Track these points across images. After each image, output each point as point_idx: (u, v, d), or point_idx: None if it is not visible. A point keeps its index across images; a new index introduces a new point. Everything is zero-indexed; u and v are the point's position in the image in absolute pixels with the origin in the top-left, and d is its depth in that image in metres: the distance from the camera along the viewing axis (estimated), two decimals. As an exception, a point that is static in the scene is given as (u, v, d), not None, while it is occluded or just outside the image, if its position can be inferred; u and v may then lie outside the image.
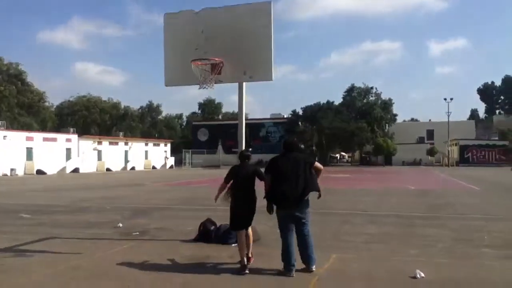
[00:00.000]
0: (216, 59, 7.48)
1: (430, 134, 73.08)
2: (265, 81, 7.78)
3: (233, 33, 7.58)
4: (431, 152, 63.45)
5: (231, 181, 6.16)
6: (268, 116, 73.28)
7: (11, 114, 55.78)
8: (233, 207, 6.07)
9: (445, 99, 62.76)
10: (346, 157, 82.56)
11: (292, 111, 68.78)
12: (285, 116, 70.36)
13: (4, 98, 56.42)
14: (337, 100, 68.94)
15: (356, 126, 60.45)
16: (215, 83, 7.66)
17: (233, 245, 7.19)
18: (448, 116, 62.85)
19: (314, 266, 5.72)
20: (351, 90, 69.54)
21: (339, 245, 7.47)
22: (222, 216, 8.96)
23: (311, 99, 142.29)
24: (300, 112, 67.37)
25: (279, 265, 5.74)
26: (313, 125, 63.82)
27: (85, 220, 10.70)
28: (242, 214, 5.98)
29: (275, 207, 5.86)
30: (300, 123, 66.69)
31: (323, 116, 62.47)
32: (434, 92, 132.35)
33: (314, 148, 65.79)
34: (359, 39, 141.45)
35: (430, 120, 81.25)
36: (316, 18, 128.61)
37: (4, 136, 39.37)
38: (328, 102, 66.36)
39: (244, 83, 7.93)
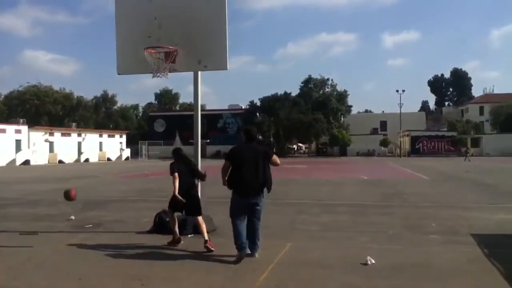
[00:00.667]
0: (170, 47, 7.32)
1: (383, 125, 75.27)
2: (219, 70, 7.70)
3: (187, 21, 7.43)
4: (384, 143, 65.35)
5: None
6: (226, 107, 73.06)
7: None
8: None
9: (397, 91, 64.79)
10: (303, 148, 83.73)
11: (250, 102, 68.89)
12: (243, 107, 70.37)
13: None
14: (294, 91, 69.68)
15: (313, 117, 61.28)
16: (169, 72, 7.51)
17: (188, 235, 7.17)
18: (400, 107, 64.94)
19: (257, 253, 5.85)
20: (307, 81, 70.37)
21: (295, 234, 7.59)
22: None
23: (269, 90, 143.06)
24: (258, 103, 67.57)
25: (233, 254, 5.76)
26: (270, 116, 64.18)
27: (36, 213, 10.34)
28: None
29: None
30: (258, 114, 66.90)
31: (281, 107, 62.93)
32: (387, 84, 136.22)
33: (271, 139, 66.29)
34: (315, 30, 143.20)
35: (383, 111, 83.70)
36: (272, 8, 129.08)
37: None
38: (285, 93, 66.88)
39: (199, 72, 7.84)
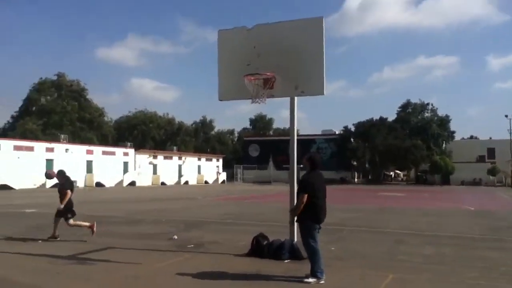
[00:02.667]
0: (268, 73, 7.55)
1: (491, 152, 69.55)
2: (316, 95, 7.76)
3: (285, 48, 7.65)
4: (492, 171, 60.36)
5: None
6: (319, 132, 72.72)
7: (73, 128, 58.77)
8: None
9: (506, 115, 59.87)
10: (401, 175, 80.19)
11: (343, 127, 67.99)
12: (336, 132, 69.57)
13: (67, 113, 59.62)
14: (391, 116, 67.49)
15: (411, 143, 58.70)
16: (267, 97, 7.73)
17: (285, 261, 7.16)
18: (511, 133, 59.76)
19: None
20: (406, 106, 67.86)
21: (396, 265, 7.22)
22: (274, 231, 8.97)
23: (364, 115, 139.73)
24: (352, 129, 66.41)
25: (332, 283, 5.61)
26: (365, 142, 62.65)
27: (141, 231, 11.03)
28: None
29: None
30: (352, 139, 65.68)
31: (376, 132, 61.21)
32: (493, 109, 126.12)
33: (367, 165, 64.51)
34: (412, 54, 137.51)
35: (490, 138, 77.44)
36: (366, 34, 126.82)
37: (66, 149, 41.50)
38: (381, 118, 65.04)
39: (295, 98, 7.97)
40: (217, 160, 63.79)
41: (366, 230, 11.64)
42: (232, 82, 8.04)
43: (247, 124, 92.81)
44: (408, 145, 58.53)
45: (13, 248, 8.42)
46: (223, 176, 60.79)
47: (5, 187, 33.12)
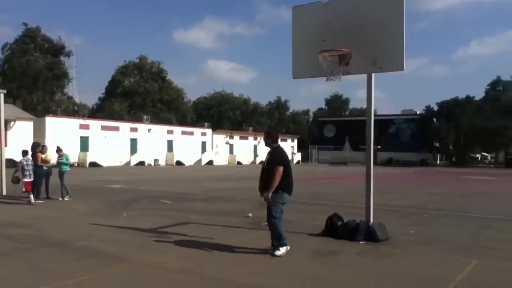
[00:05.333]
0: (344, 49, 7.31)
1: None
2: (396, 71, 7.37)
3: (362, 23, 7.34)
4: None
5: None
6: (399, 113, 69.89)
7: (154, 109, 61.51)
8: None
9: None
10: (489, 158, 75.18)
11: (425, 107, 64.78)
12: (417, 113, 66.48)
13: (148, 94, 62.45)
14: (479, 95, 63.12)
15: (500, 123, 54.57)
16: (342, 74, 7.50)
17: (360, 242, 7.01)
18: None
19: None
20: (495, 83, 63.10)
21: (480, 251, 6.78)
22: (349, 212, 8.81)
23: (448, 94, 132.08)
24: (435, 108, 63.07)
25: (409, 267, 5.41)
26: (449, 122, 59.27)
27: (217, 208, 11.35)
28: None
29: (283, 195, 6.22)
30: (434, 120, 62.45)
31: (462, 112, 57.64)
32: None
33: (450, 147, 61.18)
34: (503, 27, 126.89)
35: None
36: (451, 7, 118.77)
37: (149, 129, 43.65)
38: (467, 97, 61.06)
39: (373, 75, 7.63)
40: (292, 141, 63.80)
41: (448, 213, 11.06)
42: (306, 59, 7.89)
43: (322, 104, 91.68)
44: (497, 126, 54.46)
45: (101, 220, 9.03)
46: (297, 156, 60.77)
47: (94, 165, 35.64)
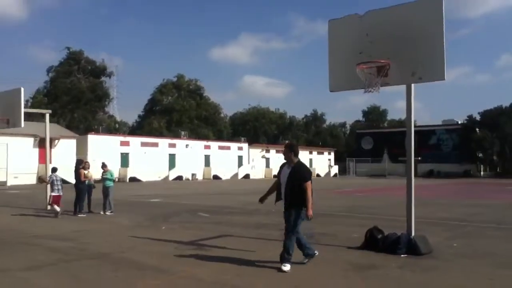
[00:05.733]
0: (382, 61, 7.24)
1: None
2: (436, 81, 7.22)
3: (400, 34, 7.26)
4: None
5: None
6: (439, 123, 68.04)
7: (191, 125, 62.56)
8: None
9: None
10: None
11: (467, 117, 62.77)
12: (459, 122, 64.52)
13: (186, 111, 63.65)
14: (525, 103, 60.51)
15: (549, 133, 52.13)
16: (381, 86, 7.42)
17: (401, 256, 6.83)
18: None
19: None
20: (541, 91, 60.49)
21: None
22: (388, 225, 8.62)
23: (491, 102, 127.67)
24: (478, 118, 61.05)
25: (455, 281, 5.22)
26: (493, 131, 57.18)
27: (255, 221, 11.35)
28: None
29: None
30: (477, 129, 60.41)
31: (506, 121, 55.50)
32: None
33: (494, 158, 58.97)
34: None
35: None
36: (493, 13, 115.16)
37: (187, 145, 44.34)
38: (512, 105, 58.80)
39: (412, 85, 7.51)
40: (329, 154, 63.20)
41: (494, 226, 10.63)
42: (343, 72, 7.87)
43: (359, 116, 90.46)
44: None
45: (141, 233, 9.20)
46: (335, 169, 60.09)
47: (134, 180, 36.45)
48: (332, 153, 63.88)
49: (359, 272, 6.05)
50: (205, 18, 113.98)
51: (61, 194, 12.39)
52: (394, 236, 7.23)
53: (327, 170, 58.96)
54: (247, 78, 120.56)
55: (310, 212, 5.93)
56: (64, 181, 26.49)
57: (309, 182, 5.99)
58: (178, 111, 63.06)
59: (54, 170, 12.97)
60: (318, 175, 55.61)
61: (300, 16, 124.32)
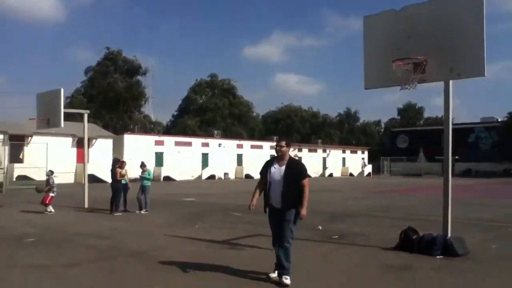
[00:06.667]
0: (420, 57, 7.09)
1: None
2: (475, 77, 7.01)
3: (438, 29, 7.09)
4: None
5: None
6: (478, 120, 65.95)
7: (224, 124, 63.00)
8: None
9: None
10: None
11: (508, 114, 60.57)
12: (499, 120, 62.35)
13: (219, 110, 64.16)
14: None
15: None
16: (418, 83, 7.27)
17: (437, 257, 6.67)
18: None
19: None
20: None
21: None
22: (423, 225, 8.44)
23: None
24: (519, 115, 58.82)
25: (494, 283, 5.05)
26: (536, 129, 54.97)
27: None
28: None
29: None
30: (518, 126, 58.17)
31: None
32: None
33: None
34: None
35: None
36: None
37: (219, 144, 44.68)
38: (556, 101, 56.34)
39: (450, 82, 7.32)
40: (363, 152, 62.32)
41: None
42: (379, 69, 7.76)
43: (394, 114, 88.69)
44: None
45: (175, 232, 9.34)
46: (368, 168, 59.18)
47: (168, 179, 37.02)
48: (366, 152, 62.95)
49: (394, 273, 5.95)
50: (238, 17, 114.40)
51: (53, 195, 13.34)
52: (430, 236, 7.07)
53: (360, 169, 58.18)
54: (279, 76, 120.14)
55: (305, 211, 5.44)
56: (101, 180, 27.17)
57: (307, 179, 5.57)
58: (211, 110, 63.66)
59: (51, 172, 13.89)
60: (351, 174, 54.97)
61: (333, 12, 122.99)
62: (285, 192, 5.43)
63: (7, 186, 23.12)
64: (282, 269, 5.41)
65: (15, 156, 29.71)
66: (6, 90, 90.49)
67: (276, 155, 5.76)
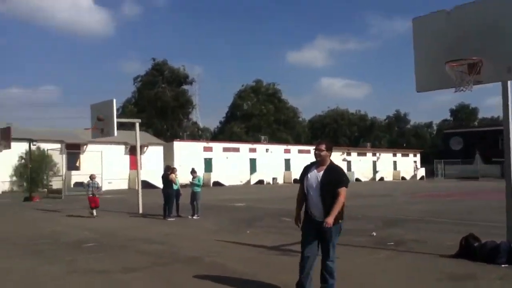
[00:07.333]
0: (474, 58, 6.81)
1: None
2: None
3: (493, 29, 6.78)
4: None
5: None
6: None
7: (270, 130, 63.15)
8: None
9: None
10: None
11: None
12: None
13: (264, 116, 64.39)
14: None
15: None
16: (473, 84, 6.99)
17: (502, 265, 6.34)
18: None
19: None
20: None
21: None
22: (484, 232, 8.06)
23: None
24: None
25: None
26: None
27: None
28: None
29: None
30: None
31: None
32: None
33: None
34: None
35: None
36: None
37: (267, 149, 44.83)
38: None
39: (508, 82, 7.00)
40: (414, 155, 60.54)
41: None
42: (431, 71, 7.54)
43: (446, 115, 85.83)
44: None
45: (227, 237, 9.42)
46: (421, 172, 57.38)
47: (217, 184, 37.51)
48: (418, 155, 61.11)
49: (456, 282, 5.71)
50: (281, 23, 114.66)
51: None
52: (493, 244, 6.73)
53: (412, 173, 56.51)
54: (324, 81, 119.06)
55: (331, 220, 4.75)
56: (153, 186, 27.88)
57: (344, 188, 4.90)
58: (256, 116, 63.99)
59: (93, 177, 14.61)
60: (403, 178, 53.53)
61: (376, 14, 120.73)
62: (325, 202, 4.84)
63: (65, 192, 24.22)
64: (325, 284, 5.02)
65: (72, 164, 31.14)
66: (62, 102, 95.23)
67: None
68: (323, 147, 5.10)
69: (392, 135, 78.76)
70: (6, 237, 9.96)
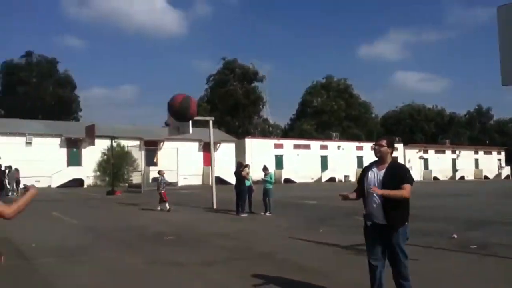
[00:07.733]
0: None
1: None
2: None
3: None
4: None
5: None
6: None
7: (340, 126, 62.08)
8: None
9: None
10: None
11: None
12: None
13: (335, 112, 63.39)
14: None
15: None
16: None
17: None
18: None
19: None
20: None
21: None
22: None
23: None
24: None
25: None
26: None
27: (418, 227, 10.67)
28: None
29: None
30: None
31: None
32: None
33: None
34: None
35: None
36: None
37: (338, 146, 44.16)
38: None
39: None
40: (498, 153, 56.73)
41: None
42: (518, 62, 6.99)
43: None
44: None
45: (299, 235, 9.40)
46: (506, 171, 53.66)
47: (288, 181, 37.58)
48: (503, 153, 57.18)
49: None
50: (352, 16, 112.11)
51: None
52: None
53: (496, 172, 52.97)
54: (398, 75, 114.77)
55: (380, 191, 4.33)
56: (225, 182, 28.51)
57: (409, 185, 4.42)
58: (327, 112, 63.20)
59: (161, 172, 15.37)
60: (486, 177, 50.39)
61: (453, 2, 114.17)
62: (387, 203, 4.39)
63: (144, 187, 25.46)
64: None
65: (150, 160, 32.64)
66: (140, 100, 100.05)
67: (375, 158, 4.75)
68: (383, 142, 4.66)
69: (473, 131, 74.28)
70: (96, 228, 10.68)
